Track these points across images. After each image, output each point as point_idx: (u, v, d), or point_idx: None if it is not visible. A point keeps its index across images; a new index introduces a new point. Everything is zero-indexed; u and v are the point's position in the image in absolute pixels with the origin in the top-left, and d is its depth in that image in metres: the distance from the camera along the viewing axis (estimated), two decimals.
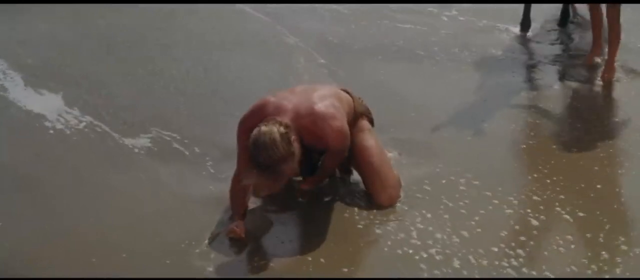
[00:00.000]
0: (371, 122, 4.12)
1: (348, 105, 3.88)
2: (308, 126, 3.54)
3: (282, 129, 3.36)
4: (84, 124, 5.05)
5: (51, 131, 4.95)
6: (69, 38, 6.71)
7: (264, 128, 3.36)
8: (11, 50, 6.45)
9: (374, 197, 3.92)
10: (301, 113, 3.56)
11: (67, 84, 5.70)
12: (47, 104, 5.38)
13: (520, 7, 6.46)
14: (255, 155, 3.35)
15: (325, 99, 3.68)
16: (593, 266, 3.43)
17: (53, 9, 7.38)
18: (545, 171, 4.24)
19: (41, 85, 5.68)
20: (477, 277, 3.37)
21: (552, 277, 3.36)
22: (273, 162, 3.33)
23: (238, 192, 3.69)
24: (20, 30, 6.91)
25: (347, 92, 4.00)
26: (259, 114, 3.59)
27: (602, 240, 3.60)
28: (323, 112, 3.59)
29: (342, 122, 3.65)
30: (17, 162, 4.57)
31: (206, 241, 3.66)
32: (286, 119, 3.48)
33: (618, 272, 3.38)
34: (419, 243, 3.62)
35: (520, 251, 3.54)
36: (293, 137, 3.40)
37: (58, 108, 5.29)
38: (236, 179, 3.70)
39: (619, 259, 3.46)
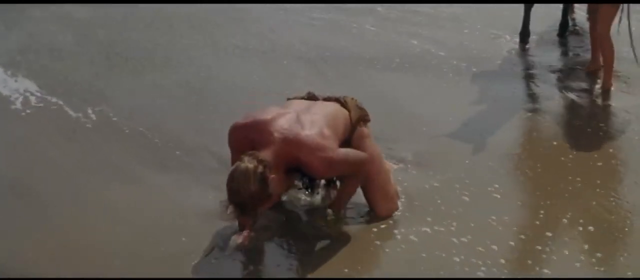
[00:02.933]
0: (367, 120, 4.04)
1: (344, 120, 3.83)
2: (295, 155, 3.51)
3: (260, 169, 3.33)
4: (82, 132, 5.04)
5: (47, 137, 4.94)
6: (69, 44, 6.71)
7: (242, 165, 3.34)
8: (11, 55, 6.46)
9: (373, 207, 3.90)
10: (289, 141, 3.51)
11: (64, 89, 5.71)
12: (43, 109, 5.39)
13: (520, 18, 6.47)
14: (228, 189, 3.34)
15: (315, 126, 3.61)
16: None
17: (53, 12, 7.39)
18: (545, 182, 4.25)
19: (39, 90, 5.68)
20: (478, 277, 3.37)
21: (552, 276, 3.35)
22: (244, 200, 3.32)
23: None
24: (20, 37, 6.92)
25: (340, 102, 3.93)
26: (250, 129, 3.59)
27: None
28: (309, 143, 3.52)
29: (327, 153, 3.56)
30: (11, 168, 4.58)
31: (204, 253, 3.64)
32: (270, 152, 3.44)
33: None
34: (415, 255, 3.60)
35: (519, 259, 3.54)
36: (271, 176, 3.37)
37: (54, 114, 5.30)
38: None
39: None
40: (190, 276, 3.50)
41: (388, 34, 6.86)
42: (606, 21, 5.34)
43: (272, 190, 3.37)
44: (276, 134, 3.51)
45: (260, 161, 3.35)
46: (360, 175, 3.76)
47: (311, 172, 3.63)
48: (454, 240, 3.68)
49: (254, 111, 3.73)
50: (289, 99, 4.02)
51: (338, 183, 4.00)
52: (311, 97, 3.99)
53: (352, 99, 4.00)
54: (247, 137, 3.57)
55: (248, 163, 3.33)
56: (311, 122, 3.63)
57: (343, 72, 6.00)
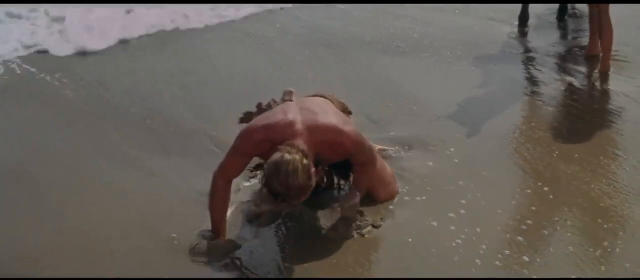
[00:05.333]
0: (349, 112, 4.05)
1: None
2: (325, 140, 3.47)
3: (305, 161, 3.27)
4: (80, 116, 5.04)
5: (45, 121, 4.95)
6: None
7: (287, 155, 3.26)
8: None
9: (374, 194, 3.87)
10: (315, 128, 3.47)
11: (62, 73, 5.69)
12: (41, 94, 5.39)
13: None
14: (273, 180, 3.26)
15: (328, 111, 3.65)
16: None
17: None
18: (543, 164, 4.25)
19: (36, 73, 5.71)
20: (476, 277, 3.35)
21: (554, 277, 3.33)
22: (290, 191, 3.27)
23: (220, 191, 3.59)
24: None
25: (320, 96, 3.94)
26: (270, 131, 3.49)
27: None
28: (334, 123, 3.53)
29: (352, 127, 3.62)
30: (10, 153, 4.59)
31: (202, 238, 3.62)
32: (302, 142, 3.38)
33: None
34: (417, 238, 3.61)
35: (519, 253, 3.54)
36: (312, 170, 3.33)
37: (52, 98, 5.30)
38: (220, 176, 3.59)
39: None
40: (190, 260, 3.49)
41: (388, 18, 6.84)
42: (606, 5, 5.35)
43: (313, 181, 3.34)
44: (298, 126, 3.45)
45: (302, 152, 3.29)
46: (372, 164, 3.71)
47: (341, 152, 3.56)
48: (450, 223, 3.68)
49: (258, 118, 3.67)
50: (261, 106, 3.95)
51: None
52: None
53: (331, 95, 4.00)
54: (267, 139, 3.46)
55: (294, 154, 3.26)
56: (322, 111, 3.62)
57: (342, 56, 5.99)
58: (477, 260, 3.41)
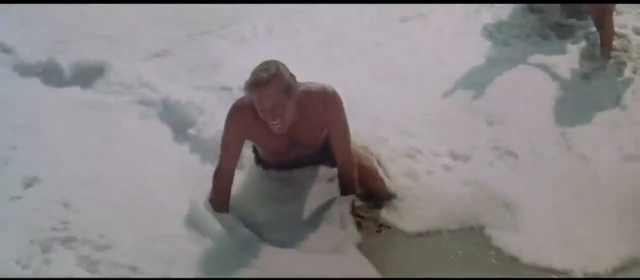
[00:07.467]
0: None
1: None
2: (305, 97, 3.53)
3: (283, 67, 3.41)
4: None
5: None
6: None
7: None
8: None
9: (375, 189, 3.89)
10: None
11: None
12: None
13: None
14: (255, 72, 3.38)
15: None
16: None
17: None
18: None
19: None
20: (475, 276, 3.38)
21: (555, 277, 3.35)
22: (270, 76, 3.33)
23: (221, 190, 3.65)
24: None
25: None
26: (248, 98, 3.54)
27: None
28: (312, 84, 3.60)
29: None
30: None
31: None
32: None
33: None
34: (412, 234, 3.64)
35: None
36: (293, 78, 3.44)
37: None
38: (219, 173, 3.65)
39: None
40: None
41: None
42: (610, 6, 5.33)
43: (293, 85, 3.42)
44: None
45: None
46: (350, 155, 3.74)
47: (323, 108, 3.59)
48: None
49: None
50: None
51: None
52: None
53: None
54: (250, 100, 3.51)
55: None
56: None
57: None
58: (471, 256, 3.44)
